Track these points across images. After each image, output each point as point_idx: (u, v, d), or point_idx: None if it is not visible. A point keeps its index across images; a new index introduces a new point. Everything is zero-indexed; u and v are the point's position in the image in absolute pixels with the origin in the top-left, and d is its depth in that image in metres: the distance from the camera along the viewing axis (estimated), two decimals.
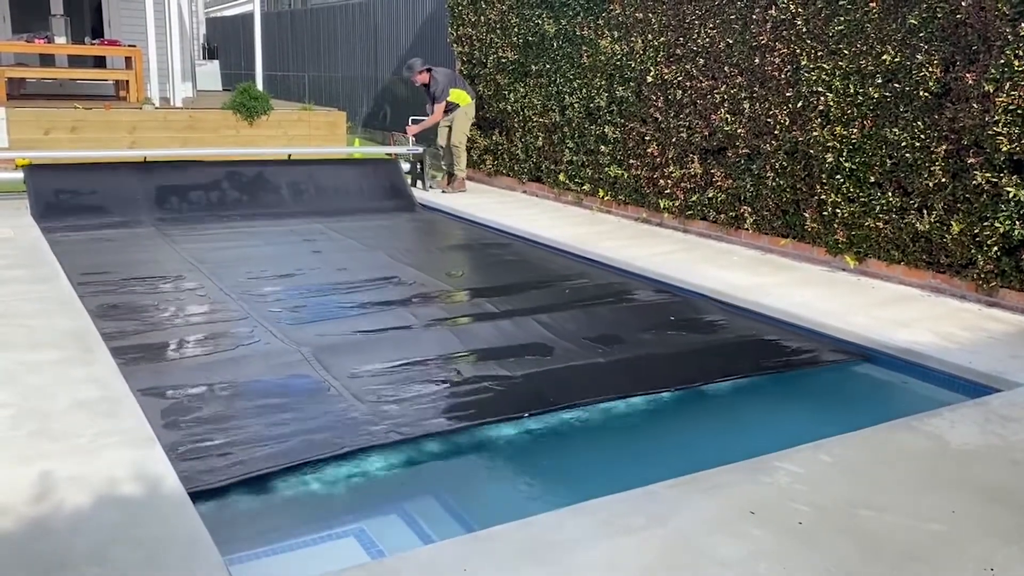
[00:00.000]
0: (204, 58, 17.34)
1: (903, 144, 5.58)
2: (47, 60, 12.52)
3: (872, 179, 5.81)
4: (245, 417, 3.69)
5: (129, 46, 11.83)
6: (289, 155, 9.37)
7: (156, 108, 10.26)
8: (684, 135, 7.29)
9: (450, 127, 9.46)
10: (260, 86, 11.27)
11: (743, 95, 6.70)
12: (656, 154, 7.62)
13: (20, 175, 7.83)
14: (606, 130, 8.15)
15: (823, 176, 6.13)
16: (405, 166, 9.64)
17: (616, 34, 7.92)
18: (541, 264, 6.82)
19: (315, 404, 3.85)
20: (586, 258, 6.77)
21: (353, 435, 3.54)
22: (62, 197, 7.75)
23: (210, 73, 15.99)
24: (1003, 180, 5.06)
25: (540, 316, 5.20)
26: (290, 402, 3.87)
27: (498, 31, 9.58)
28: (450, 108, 9.38)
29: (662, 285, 5.96)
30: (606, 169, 8.24)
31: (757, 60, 6.55)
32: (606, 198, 8.37)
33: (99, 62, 12.87)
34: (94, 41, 12.48)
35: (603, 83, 8.13)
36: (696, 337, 5.03)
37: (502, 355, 4.58)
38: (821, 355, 4.71)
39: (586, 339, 4.85)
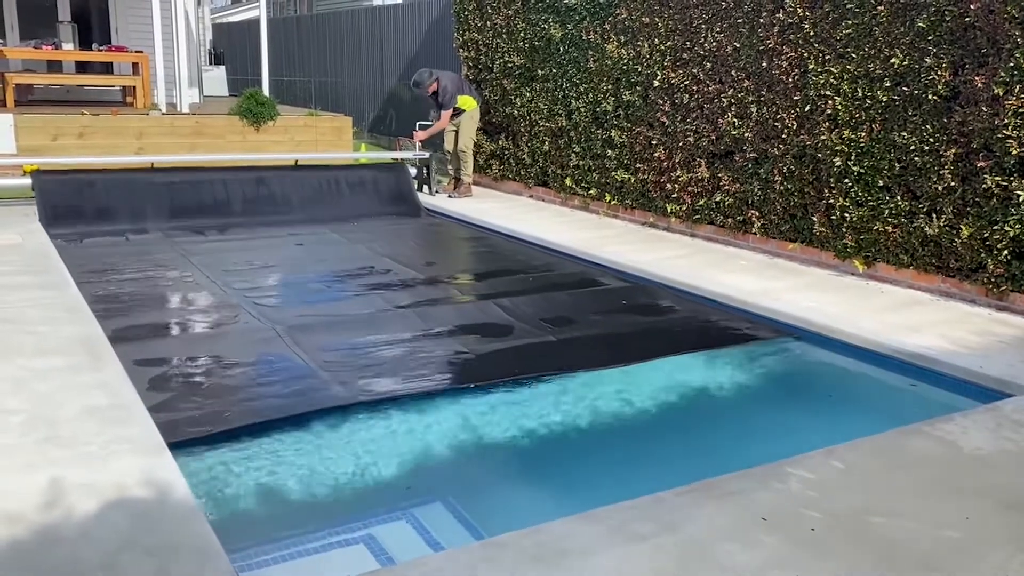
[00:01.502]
0: (211, 64, 17.36)
1: (912, 148, 5.56)
2: (54, 66, 12.55)
3: (881, 183, 5.79)
4: (220, 383, 4.19)
5: (136, 52, 11.86)
6: (296, 160, 9.38)
7: (163, 114, 10.27)
8: (691, 139, 7.27)
9: (457, 132, 9.48)
10: (266, 92, 11.26)
11: (750, 99, 6.68)
12: (663, 158, 7.60)
13: (28, 181, 7.85)
14: (613, 134, 8.14)
15: (831, 180, 6.11)
16: (411, 171, 9.65)
17: (623, 38, 7.91)
18: (525, 260, 6.99)
19: (283, 373, 4.32)
20: (589, 261, 6.76)
21: (316, 399, 3.98)
22: (70, 203, 7.76)
23: (217, 79, 16.01)
24: (1013, 183, 5.03)
25: (502, 301, 5.59)
26: (261, 371, 4.39)
27: (504, 36, 9.58)
28: (456, 113, 9.40)
29: (671, 291, 5.95)
30: (613, 173, 8.23)
31: (764, 64, 6.53)
32: (612, 202, 8.35)
33: (106, 68, 12.91)
34: (101, 47, 12.51)
35: (610, 87, 8.12)
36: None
37: (461, 334, 5.02)
38: (759, 333, 5.10)
39: (543, 320, 5.26)
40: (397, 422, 3.87)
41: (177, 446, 3.26)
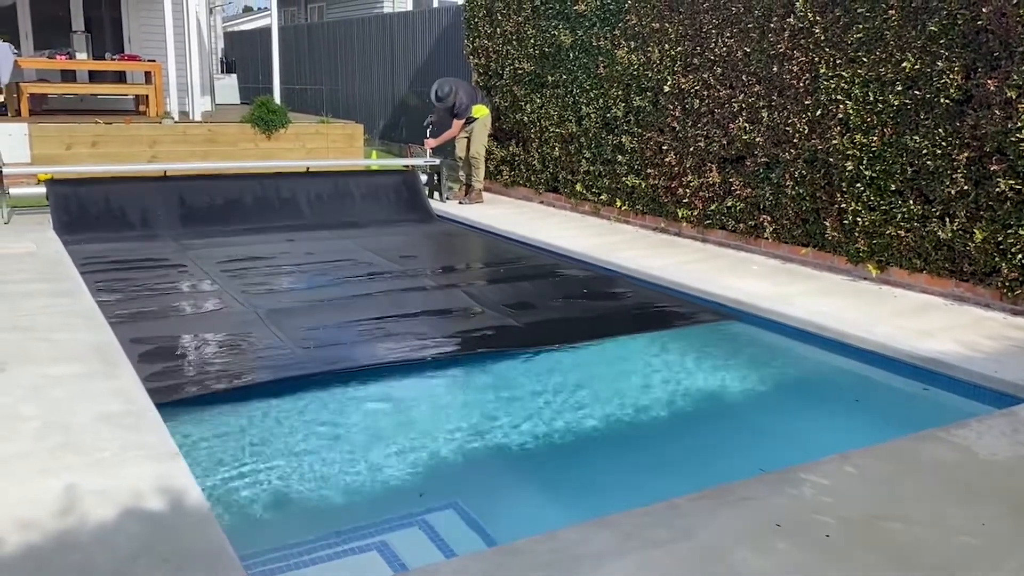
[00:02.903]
0: (222, 72, 17.49)
1: (924, 152, 5.53)
2: (68, 76, 12.66)
3: (893, 187, 5.77)
4: (205, 357, 4.68)
5: (149, 61, 11.96)
6: (307, 168, 9.41)
7: (175, 122, 10.35)
8: (702, 144, 7.27)
9: (468, 138, 9.50)
10: (278, 99, 11.32)
11: (761, 104, 6.67)
12: (674, 163, 7.60)
13: (42, 190, 7.91)
14: (623, 140, 8.14)
15: (843, 184, 6.09)
16: (423, 178, 9.66)
17: (632, 44, 7.91)
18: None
19: (261, 349, 4.76)
20: (599, 266, 6.77)
21: (289, 369, 4.44)
22: (83, 211, 7.82)
23: (228, 87, 16.10)
24: None
25: (470, 289, 6.09)
26: (241, 347, 4.82)
27: (514, 42, 9.60)
28: (468, 120, 9.42)
29: (682, 295, 5.94)
30: (623, 179, 8.22)
31: (775, 69, 6.52)
32: (623, 208, 8.35)
33: (119, 77, 13.00)
34: (114, 56, 12.61)
35: (620, 93, 8.13)
36: None
37: (429, 317, 5.51)
38: (700, 316, 5.53)
39: (506, 306, 5.68)
40: (364, 390, 4.37)
41: (166, 408, 3.66)
